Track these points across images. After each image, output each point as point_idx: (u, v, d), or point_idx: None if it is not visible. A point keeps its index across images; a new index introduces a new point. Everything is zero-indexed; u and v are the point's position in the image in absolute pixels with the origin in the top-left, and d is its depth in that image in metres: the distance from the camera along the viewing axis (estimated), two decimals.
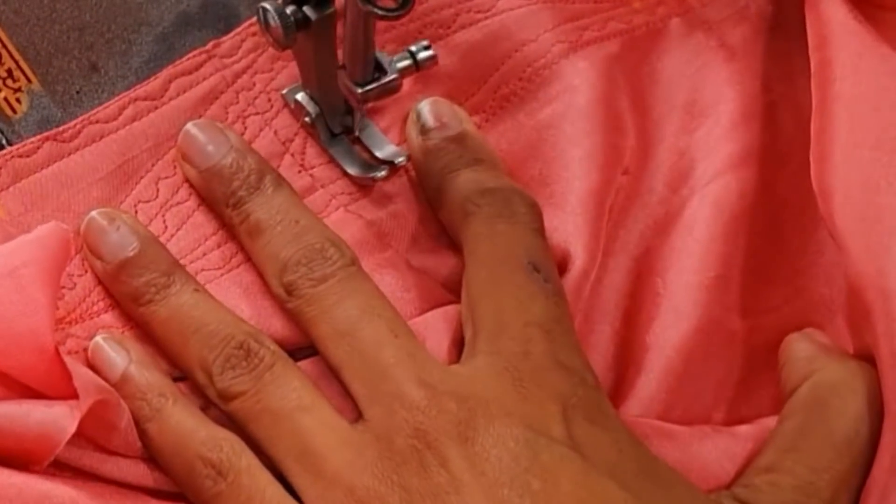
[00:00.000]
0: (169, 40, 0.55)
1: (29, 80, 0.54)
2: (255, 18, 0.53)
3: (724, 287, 0.53)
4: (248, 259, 0.52)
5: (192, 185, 0.53)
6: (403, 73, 0.52)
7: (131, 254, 0.51)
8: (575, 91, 0.55)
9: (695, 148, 0.56)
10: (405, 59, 0.53)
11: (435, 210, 0.54)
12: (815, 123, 0.52)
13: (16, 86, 0.54)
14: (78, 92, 0.54)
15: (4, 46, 0.54)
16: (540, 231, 0.51)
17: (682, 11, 0.57)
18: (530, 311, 0.49)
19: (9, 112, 0.54)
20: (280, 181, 0.52)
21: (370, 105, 0.54)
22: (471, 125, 0.54)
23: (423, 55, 0.53)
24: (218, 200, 0.52)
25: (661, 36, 0.57)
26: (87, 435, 0.47)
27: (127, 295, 0.51)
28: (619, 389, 0.53)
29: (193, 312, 0.50)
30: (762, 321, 0.54)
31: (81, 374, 0.46)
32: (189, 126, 0.53)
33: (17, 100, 0.54)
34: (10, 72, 0.54)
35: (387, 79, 0.51)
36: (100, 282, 0.51)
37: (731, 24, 0.57)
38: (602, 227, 0.53)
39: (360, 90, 0.51)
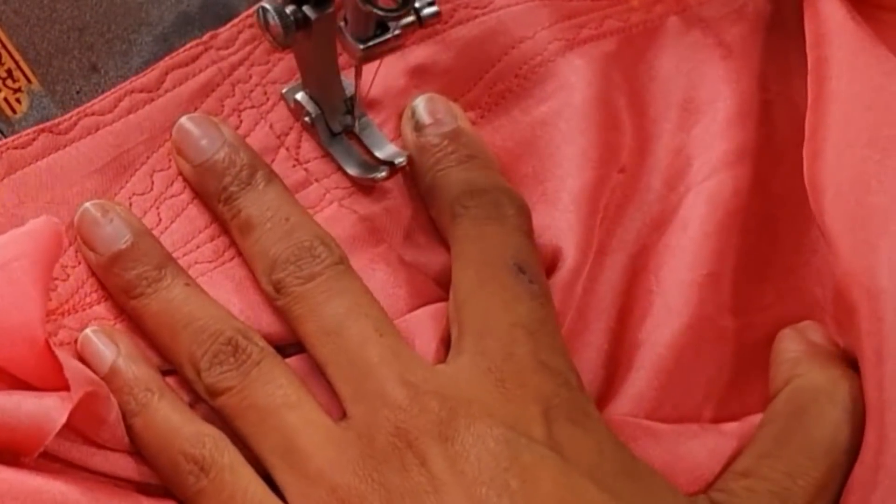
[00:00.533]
0: (169, 40, 0.55)
1: (29, 81, 0.54)
2: (252, 10, 0.53)
3: (716, 285, 0.53)
4: (241, 253, 0.52)
5: (185, 179, 0.53)
6: (406, 29, 0.51)
7: (124, 246, 0.51)
8: (571, 89, 0.55)
9: (691, 146, 0.55)
10: (408, 14, 0.51)
11: (427, 207, 0.54)
12: (809, 121, 0.51)
13: (16, 86, 0.54)
14: (78, 92, 0.54)
15: (4, 47, 0.54)
16: (528, 232, 0.51)
17: (680, 9, 0.57)
18: (515, 312, 0.49)
19: (9, 112, 0.54)
20: (272, 177, 0.52)
21: (366, 100, 0.55)
22: (465, 122, 0.54)
23: (426, 11, 0.51)
24: (210, 195, 0.52)
25: (658, 34, 0.57)
26: (77, 428, 0.47)
27: (119, 287, 0.51)
28: (610, 386, 0.52)
29: (184, 307, 0.50)
30: (754, 319, 0.54)
31: (72, 366, 0.46)
32: (183, 120, 0.53)
33: (17, 100, 0.54)
34: (10, 72, 0.54)
35: (389, 35, 0.50)
36: (93, 273, 0.51)
37: (729, 23, 0.57)
38: (595, 225, 0.53)
39: (361, 46, 0.49)
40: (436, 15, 0.50)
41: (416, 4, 0.51)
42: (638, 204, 0.55)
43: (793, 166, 0.53)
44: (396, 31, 0.50)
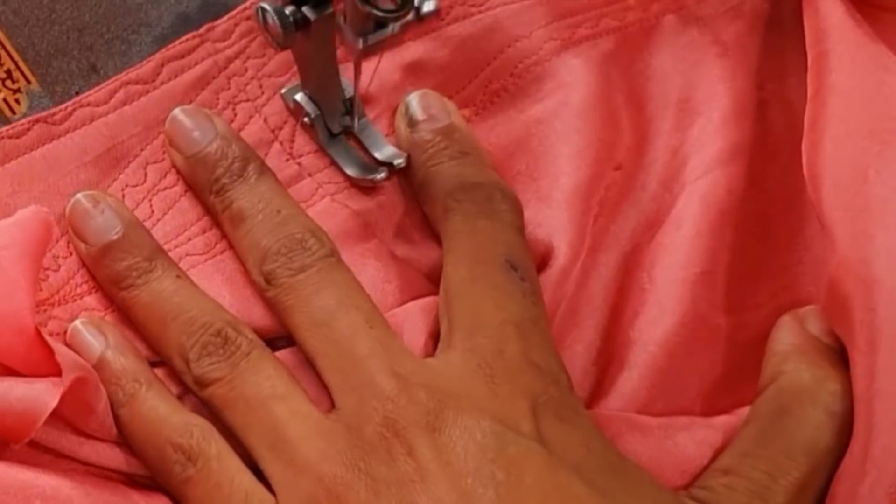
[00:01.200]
0: (168, 41, 0.55)
1: (28, 81, 0.55)
2: (248, 2, 0.53)
3: (709, 283, 0.53)
4: (232, 246, 0.52)
5: (178, 171, 0.53)
6: (405, 25, 0.50)
7: (115, 237, 0.51)
8: (567, 88, 0.55)
9: (688, 144, 0.55)
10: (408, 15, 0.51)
11: (420, 202, 0.53)
12: (809, 112, 0.51)
13: (15, 86, 0.55)
14: (77, 92, 0.54)
15: (4, 47, 0.54)
16: (520, 229, 0.51)
17: (676, 8, 0.57)
18: (506, 309, 0.48)
19: (8, 113, 0.54)
20: (264, 169, 0.52)
21: (364, 95, 0.55)
22: (459, 118, 0.54)
23: (426, 9, 0.51)
24: (202, 187, 0.52)
25: (654, 32, 0.57)
26: (66, 417, 0.47)
27: (109, 278, 0.51)
28: (601, 384, 0.52)
29: (174, 298, 0.50)
30: (747, 318, 0.53)
31: (63, 352, 0.46)
32: (176, 111, 0.53)
33: (17, 100, 0.54)
34: (9, 72, 0.55)
35: (387, 30, 0.49)
36: (84, 264, 0.51)
37: (726, 21, 0.57)
38: (588, 223, 0.53)
39: (360, 41, 0.49)
40: (435, 12, 0.51)
41: (415, 2, 0.51)
42: (633, 202, 0.54)
43: (787, 165, 0.53)
44: (394, 27, 0.50)
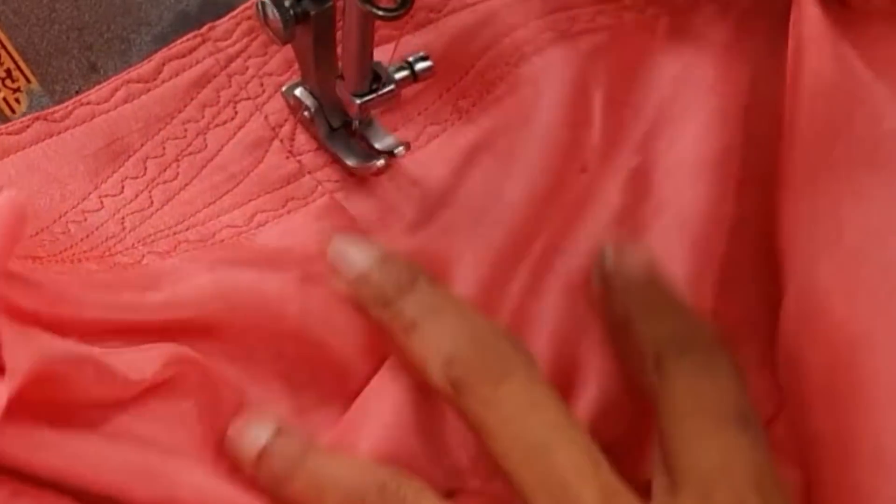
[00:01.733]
0: (168, 40, 0.55)
1: (28, 81, 0.55)
2: (250, 2, 0.54)
3: (696, 289, 0.52)
4: (229, 238, 0.52)
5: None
6: (401, 83, 0.53)
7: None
8: (557, 82, 0.55)
9: (667, 149, 0.55)
10: (403, 69, 0.53)
11: (612, 338, 0.51)
12: (786, 117, 0.52)
13: (15, 86, 0.55)
14: (77, 91, 0.55)
15: (4, 46, 0.55)
16: (741, 384, 0.47)
17: (671, 11, 0.57)
18: (742, 466, 0.44)
19: (8, 112, 0.54)
20: (433, 281, 0.49)
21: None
22: (653, 269, 0.51)
23: (420, 66, 0.53)
24: (370, 302, 0.50)
25: (648, 34, 0.57)
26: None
27: (269, 481, 0.48)
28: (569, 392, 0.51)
29: (326, 471, 0.47)
30: (735, 324, 0.53)
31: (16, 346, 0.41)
32: (336, 241, 0.51)
33: (17, 100, 0.55)
34: (9, 72, 0.55)
35: (385, 89, 0.52)
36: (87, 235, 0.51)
37: (719, 27, 0.57)
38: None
39: (358, 101, 0.51)
40: (429, 69, 0.53)
41: (410, 59, 0.53)
42: (602, 204, 0.54)
43: (771, 172, 0.53)
44: (391, 86, 0.51)
